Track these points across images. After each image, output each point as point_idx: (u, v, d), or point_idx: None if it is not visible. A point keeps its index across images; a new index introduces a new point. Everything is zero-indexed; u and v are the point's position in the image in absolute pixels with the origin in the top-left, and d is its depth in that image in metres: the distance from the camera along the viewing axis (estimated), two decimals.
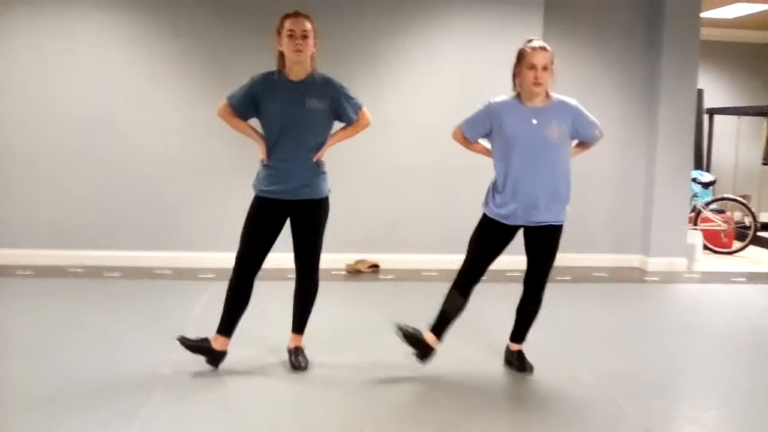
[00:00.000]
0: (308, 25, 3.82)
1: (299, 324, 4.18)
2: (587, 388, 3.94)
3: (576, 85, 7.30)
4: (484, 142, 4.11)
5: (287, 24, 3.80)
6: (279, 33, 3.84)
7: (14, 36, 6.58)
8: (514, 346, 4.24)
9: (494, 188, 4.01)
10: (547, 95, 3.96)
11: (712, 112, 10.57)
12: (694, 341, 4.92)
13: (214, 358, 4.05)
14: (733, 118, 10.58)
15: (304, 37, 3.80)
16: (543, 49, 3.85)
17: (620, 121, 7.42)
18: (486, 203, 4.04)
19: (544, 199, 3.91)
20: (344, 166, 6.72)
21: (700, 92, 10.02)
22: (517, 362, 4.18)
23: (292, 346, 4.17)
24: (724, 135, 10.74)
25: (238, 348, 4.37)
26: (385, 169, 6.99)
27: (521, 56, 3.89)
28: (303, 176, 3.91)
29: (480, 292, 4.11)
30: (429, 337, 4.04)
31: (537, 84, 3.84)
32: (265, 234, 3.97)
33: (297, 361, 4.09)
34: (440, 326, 4.05)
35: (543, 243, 4.02)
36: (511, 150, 3.90)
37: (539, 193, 3.90)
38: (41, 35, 6.60)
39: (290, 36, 3.79)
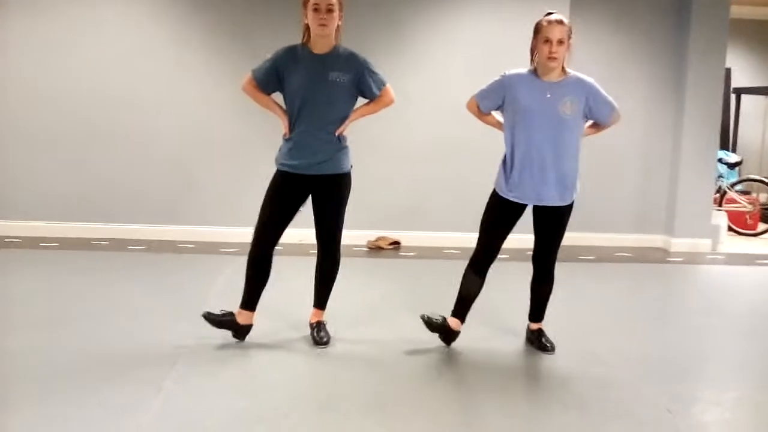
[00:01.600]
0: None
1: (321, 299, 4.20)
2: (608, 369, 3.93)
3: (602, 62, 7.24)
4: (497, 115, 4.09)
5: None
6: (305, 5, 3.82)
7: (36, 10, 6.60)
8: (534, 325, 4.24)
9: (504, 164, 3.99)
10: (564, 71, 3.91)
11: (739, 91, 10.42)
12: (717, 323, 4.89)
13: (240, 332, 4.10)
14: (761, 98, 10.44)
15: (329, 11, 3.78)
16: (560, 22, 3.79)
17: (646, 99, 7.35)
18: (497, 181, 4.03)
19: (553, 175, 3.89)
20: (366, 143, 6.72)
21: (727, 71, 9.88)
22: (537, 341, 4.19)
23: (313, 321, 4.20)
24: (751, 115, 10.60)
25: (261, 322, 4.40)
26: (406, 146, 6.97)
27: (537, 30, 3.86)
28: (325, 151, 3.91)
29: (501, 270, 4.12)
30: (453, 322, 4.15)
31: (552, 58, 3.80)
32: (286, 208, 3.98)
33: (319, 336, 4.12)
34: (461, 309, 4.15)
35: (551, 222, 4.01)
36: (523, 123, 3.88)
37: (548, 169, 3.88)
38: (63, 10, 6.62)
39: (315, 10, 3.77)
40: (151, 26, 6.71)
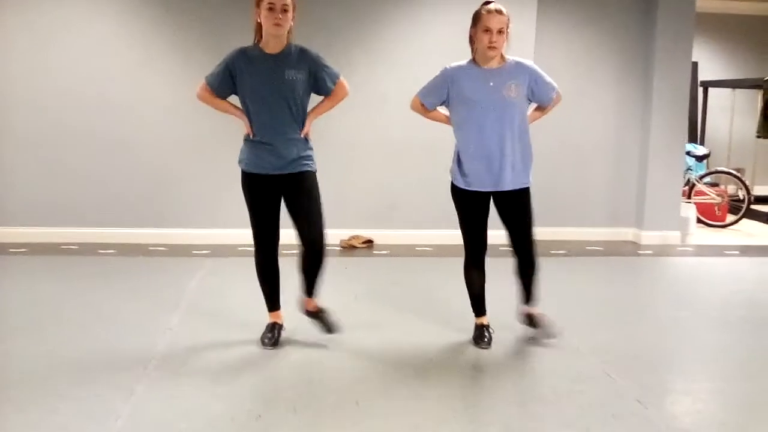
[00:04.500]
0: None
1: (310, 287, 4.12)
2: (581, 361, 3.96)
3: (570, 57, 7.29)
4: (443, 110, 4.12)
5: None
6: (258, 5, 3.81)
7: (9, 13, 6.51)
8: (526, 309, 4.24)
9: (459, 156, 4.02)
10: (503, 57, 3.95)
11: (706, 85, 10.55)
12: (687, 314, 4.94)
13: (279, 332, 4.17)
14: (728, 91, 10.56)
15: (284, 11, 3.76)
16: (499, 12, 3.82)
17: (615, 94, 7.41)
18: (453, 172, 4.06)
19: (509, 160, 3.92)
20: (339, 142, 6.72)
21: (694, 65, 9.99)
22: (530, 323, 4.24)
23: (310, 308, 4.16)
24: (718, 108, 10.73)
25: (232, 324, 4.39)
26: (379, 145, 6.97)
27: (477, 19, 3.88)
28: (291, 150, 3.88)
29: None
30: (477, 321, 4.25)
31: (491, 47, 3.83)
32: (270, 210, 3.97)
33: (326, 323, 4.15)
34: (478, 306, 4.24)
35: (515, 206, 4.03)
36: (471, 114, 3.91)
37: (504, 155, 3.91)
38: (36, 12, 6.53)
39: (270, 9, 3.75)
40: (122, 28, 6.63)
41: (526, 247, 4.09)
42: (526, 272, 4.14)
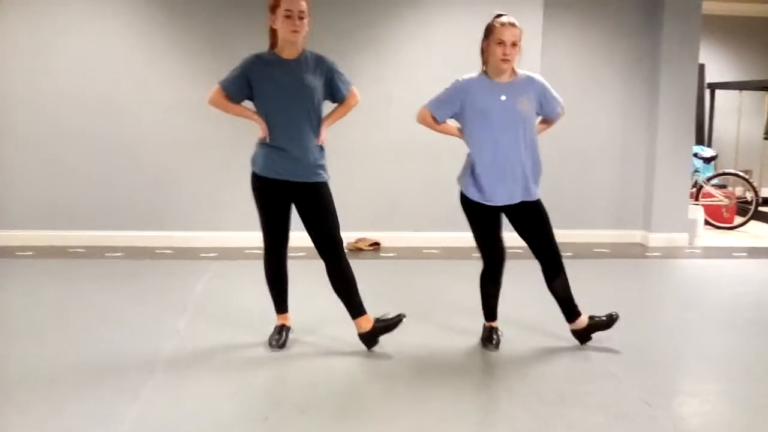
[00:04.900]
0: (304, 5, 3.78)
1: (356, 306, 4.10)
2: (587, 363, 3.95)
3: (577, 60, 7.28)
4: (452, 123, 4.09)
5: (284, 3, 3.75)
6: (273, 11, 3.80)
7: (12, 15, 6.54)
8: (574, 325, 4.19)
9: (472, 169, 3.98)
10: (514, 71, 3.94)
11: (713, 87, 10.52)
12: (695, 316, 4.93)
13: (286, 334, 4.17)
14: (735, 92, 10.53)
15: (301, 18, 3.77)
16: (512, 25, 3.81)
17: (621, 96, 7.39)
18: (464, 184, 4.03)
19: (520, 173, 3.92)
20: (345, 145, 6.71)
21: (701, 67, 9.96)
22: (584, 338, 4.20)
23: (364, 331, 4.08)
24: (725, 110, 10.70)
25: (239, 326, 4.39)
26: (385, 147, 6.97)
27: (490, 31, 3.86)
28: (307, 157, 3.88)
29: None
30: (487, 324, 4.25)
31: (505, 60, 3.82)
32: (281, 215, 3.97)
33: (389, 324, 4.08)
34: (489, 312, 4.23)
35: (532, 218, 4.02)
36: (485, 127, 3.89)
37: (516, 168, 3.91)
38: (39, 14, 6.56)
39: (288, 17, 3.75)
40: (126, 30, 6.65)
41: (549, 251, 4.05)
42: (556, 279, 4.09)
